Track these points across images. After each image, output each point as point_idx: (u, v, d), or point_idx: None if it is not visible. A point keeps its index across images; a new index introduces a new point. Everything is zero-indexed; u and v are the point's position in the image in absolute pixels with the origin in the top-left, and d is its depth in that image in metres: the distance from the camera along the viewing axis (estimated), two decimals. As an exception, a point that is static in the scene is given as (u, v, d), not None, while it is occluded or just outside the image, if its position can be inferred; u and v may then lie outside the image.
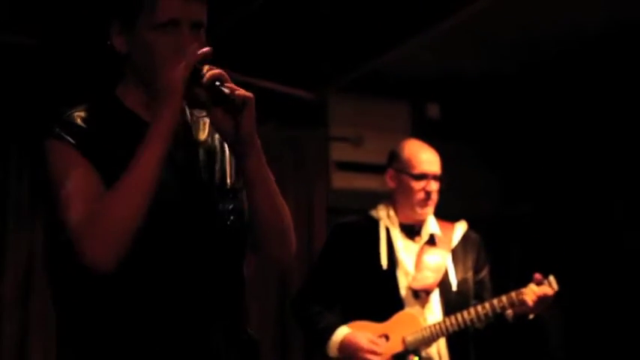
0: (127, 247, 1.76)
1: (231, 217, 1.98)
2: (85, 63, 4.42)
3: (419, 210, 3.50)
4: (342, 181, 5.65)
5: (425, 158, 3.54)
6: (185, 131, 2.00)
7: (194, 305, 1.89)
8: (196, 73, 1.81)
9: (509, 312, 3.39)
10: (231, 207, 1.99)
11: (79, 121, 1.88)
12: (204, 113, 2.03)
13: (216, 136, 2.05)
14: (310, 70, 5.04)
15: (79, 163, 1.83)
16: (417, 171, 3.51)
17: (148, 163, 1.78)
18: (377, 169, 5.49)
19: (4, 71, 4.45)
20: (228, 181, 2.03)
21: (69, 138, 1.85)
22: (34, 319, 4.37)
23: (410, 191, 3.50)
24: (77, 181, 1.81)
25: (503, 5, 4.29)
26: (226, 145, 2.04)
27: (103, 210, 1.75)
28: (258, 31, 4.37)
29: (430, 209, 3.53)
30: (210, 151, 2.03)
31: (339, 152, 5.64)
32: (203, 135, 2.03)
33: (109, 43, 1.95)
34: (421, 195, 3.49)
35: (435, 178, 3.52)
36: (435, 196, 3.52)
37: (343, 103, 5.64)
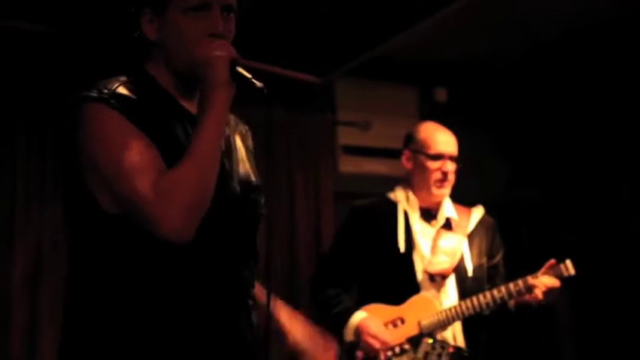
0: (199, 221, 1.78)
1: (263, 211, 2.05)
2: (93, 47, 4.43)
3: (435, 191, 3.50)
4: (349, 165, 5.65)
5: (441, 139, 3.54)
6: None
7: (225, 292, 1.92)
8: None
9: (512, 302, 3.38)
10: (262, 200, 2.06)
11: (125, 91, 1.87)
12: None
13: (235, 130, 2.11)
14: (317, 55, 5.03)
15: (137, 134, 1.81)
16: (433, 151, 3.50)
17: (214, 137, 1.81)
18: (384, 154, 5.50)
19: (15, 56, 4.46)
20: (254, 178, 2.08)
21: (119, 106, 1.83)
22: (44, 307, 4.39)
23: (426, 171, 3.49)
24: (141, 152, 1.79)
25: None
26: (246, 142, 2.12)
27: (182, 182, 1.75)
28: (266, 17, 4.36)
29: (446, 190, 3.52)
30: (230, 144, 2.06)
31: (347, 137, 5.64)
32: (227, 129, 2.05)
33: (137, 32, 1.95)
34: (437, 175, 3.49)
35: (451, 158, 3.52)
36: (451, 177, 3.52)
37: (350, 88, 5.64)
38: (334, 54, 5.09)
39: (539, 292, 3.27)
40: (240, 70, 1.85)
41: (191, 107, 1.97)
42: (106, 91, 1.85)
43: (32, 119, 4.46)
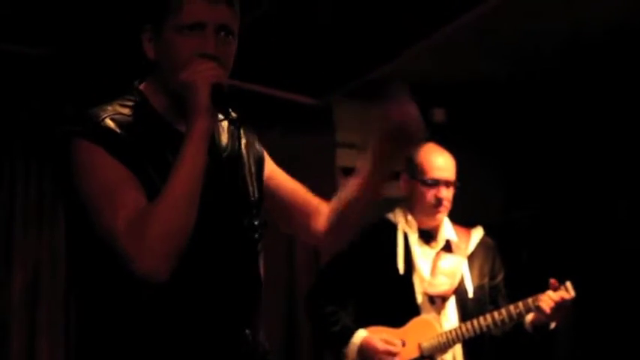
0: (178, 257, 1.75)
1: (259, 232, 2.01)
2: (91, 70, 4.44)
3: (430, 215, 3.49)
4: (348, 186, 5.63)
5: (437, 164, 3.51)
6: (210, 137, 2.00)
7: (220, 318, 1.90)
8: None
9: (528, 322, 3.36)
10: (257, 222, 2.01)
11: (111, 124, 1.85)
12: (220, 117, 2.00)
13: (243, 142, 2.07)
14: (316, 77, 5.04)
15: (119, 170, 1.80)
16: (428, 177, 3.49)
17: (192, 171, 1.78)
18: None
19: (13, 79, 4.47)
20: (251, 192, 2.03)
21: (103, 141, 1.81)
22: (42, 324, 4.38)
23: (421, 197, 3.48)
24: (120, 188, 1.78)
25: (507, 9, 4.28)
26: (252, 155, 2.08)
27: (155, 220, 1.72)
28: (263, 39, 4.37)
29: (442, 215, 3.51)
30: (233, 157, 2.03)
31: (345, 158, 5.64)
32: (225, 139, 2.03)
33: (139, 52, 1.95)
34: (432, 201, 3.47)
35: (447, 184, 3.50)
36: (447, 203, 3.49)
37: (349, 109, 5.64)
38: (333, 76, 5.10)
39: (546, 308, 3.24)
40: (218, 97, 1.82)
41: (184, 129, 1.90)
42: (91, 124, 1.84)
43: (31, 142, 4.46)
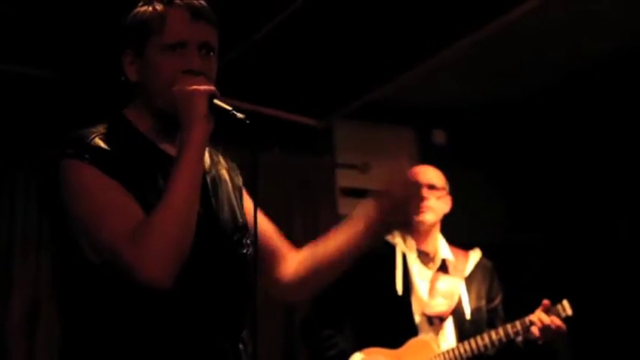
0: (180, 265, 1.76)
1: (250, 249, 2.00)
2: (93, 92, 4.45)
3: (415, 218, 3.48)
4: (348, 207, 5.64)
5: (418, 172, 3.56)
6: None
7: (212, 334, 1.89)
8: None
9: (519, 339, 3.37)
10: (247, 240, 2.01)
11: (100, 143, 1.85)
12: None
13: (223, 167, 2.09)
14: (316, 98, 5.05)
15: (113, 186, 1.80)
16: None
17: (192, 178, 1.80)
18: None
19: (13, 101, 4.48)
20: (239, 216, 2.04)
21: (94, 160, 1.82)
22: (40, 348, 4.36)
23: None
24: (116, 202, 1.79)
25: (508, 32, 4.30)
26: (233, 179, 2.09)
27: (160, 228, 1.74)
28: (263, 60, 4.39)
29: (427, 216, 3.49)
30: (215, 181, 2.03)
31: (345, 179, 5.65)
32: (207, 162, 2.02)
33: (122, 74, 1.95)
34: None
35: (429, 187, 3.51)
36: (431, 203, 3.49)
37: (349, 130, 5.66)
38: (333, 97, 5.12)
39: (535, 330, 3.26)
40: (219, 102, 1.84)
41: (172, 150, 1.93)
42: (81, 145, 1.84)
43: (30, 164, 4.47)
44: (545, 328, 3.26)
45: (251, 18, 4.02)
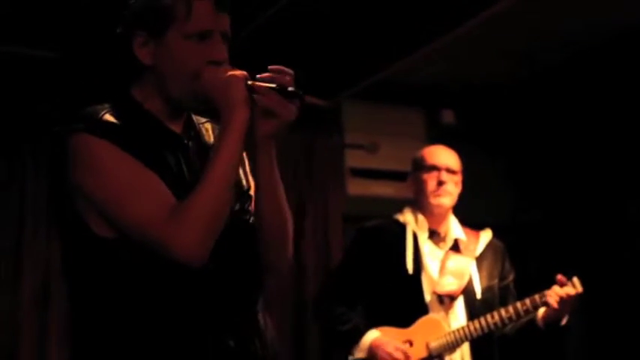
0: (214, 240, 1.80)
1: (252, 217, 2.01)
2: (97, 73, 4.46)
3: (433, 201, 3.49)
4: (357, 187, 5.65)
5: (437, 153, 3.59)
6: (197, 137, 2.03)
7: (229, 306, 1.91)
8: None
9: (539, 318, 3.36)
10: (250, 207, 2.02)
11: (111, 119, 1.85)
12: (203, 120, 2.07)
13: None
14: (325, 78, 5.04)
15: (131, 160, 1.81)
16: (427, 163, 3.54)
17: (229, 160, 1.81)
18: (392, 176, 5.50)
19: (21, 81, 4.49)
20: (244, 182, 2.05)
21: (107, 135, 1.82)
22: (53, 326, 4.39)
23: (423, 184, 3.51)
24: (143, 178, 1.80)
25: (516, 12, 4.28)
26: None
27: (200, 207, 1.77)
28: (272, 40, 4.38)
29: (444, 199, 3.50)
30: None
31: (354, 159, 5.65)
32: (210, 140, 2.05)
33: (129, 55, 1.94)
34: (432, 185, 3.49)
35: (448, 170, 3.52)
36: (450, 188, 3.51)
37: (358, 110, 5.65)
38: (341, 77, 5.11)
39: (553, 302, 3.25)
40: (259, 83, 1.83)
41: (177, 128, 1.96)
42: (92, 120, 1.84)
43: (39, 142, 4.48)
44: (561, 301, 3.25)
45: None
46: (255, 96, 1.84)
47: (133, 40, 1.93)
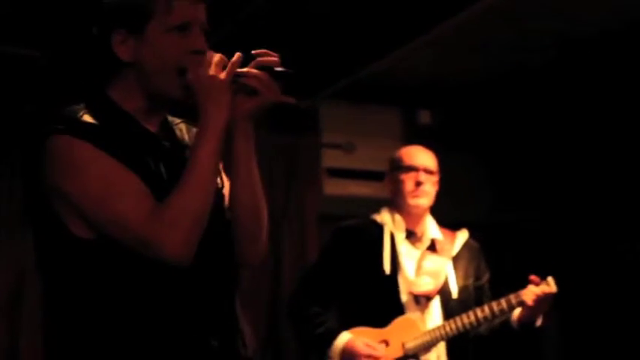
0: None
1: (226, 214, 2.01)
2: (82, 70, 4.43)
3: (410, 201, 3.50)
4: (333, 187, 5.65)
5: (414, 153, 3.59)
6: (173, 138, 2.02)
7: (210, 304, 1.90)
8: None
9: (514, 319, 3.38)
10: (225, 204, 2.02)
11: (90, 120, 1.85)
12: (177, 121, 2.07)
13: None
14: (302, 77, 5.03)
15: (111, 161, 1.80)
16: (405, 164, 3.54)
17: (209, 158, 1.82)
18: (368, 176, 5.51)
19: (4, 80, 4.46)
20: (218, 181, 2.04)
21: (86, 136, 1.81)
22: (24, 331, 4.36)
23: (401, 185, 3.52)
24: (123, 178, 1.80)
25: (494, 11, 4.29)
26: None
27: (185, 206, 1.78)
28: (248, 39, 4.36)
29: (422, 200, 3.51)
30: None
31: (331, 159, 5.65)
32: (185, 140, 2.04)
33: (107, 53, 1.92)
34: (410, 186, 3.50)
35: (425, 171, 3.53)
36: (428, 188, 3.52)
37: (334, 110, 5.65)
38: (318, 77, 5.10)
39: (529, 301, 3.27)
40: (243, 70, 1.86)
41: (153, 128, 1.96)
42: (70, 121, 1.83)
43: (16, 142, 4.44)
44: (537, 300, 3.27)
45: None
46: (241, 79, 1.86)
47: (112, 37, 1.92)
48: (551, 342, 5.45)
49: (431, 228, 3.57)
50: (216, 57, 1.87)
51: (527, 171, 5.80)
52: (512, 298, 3.33)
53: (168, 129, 2.03)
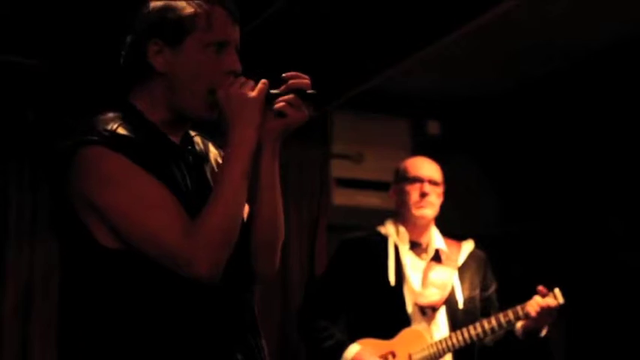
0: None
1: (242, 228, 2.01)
2: (85, 81, 4.45)
3: (415, 212, 3.51)
4: (342, 198, 5.65)
5: (420, 164, 3.61)
6: (194, 150, 2.04)
7: (225, 319, 1.90)
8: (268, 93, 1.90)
9: (519, 329, 3.38)
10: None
11: (124, 132, 1.84)
12: (193, 133, 2.08)
13: (212, 154, 2.10)
14: (311, 87, 5.04)
15: (146, 176, 1.81)
16: (410, 175, 3.55)
17: (240, 178, 1.84)
18: (377, 186, 5.51)
19: (7, 89, 4.48)
20: None
21: (121, 148, 1.81)
22: (34, 342, 4.37)
23: (406, 196, 3.53)
24: (157, 193, 1.81)
25: (502, 22, 4.30)
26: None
27: (215, 226, 1.79)
28: (257, 49, 4.38)
29: (427, 211, 3.52)
30: (216, 163, 2.06)
31: (340, 169, 5.65)
32: (203, 153, 2.06)
33: (141, 62, 1.93)
34: (415, 197, 3.51)
35: (430, 182, 3.55)
36: (432, 199, 3.53)
37: (344, 121, 5.66)
38: (328, 87, 5.10)
39: (533, 312, 3.27)
40: (276, 91, 1.89)
41: (175, 139, 1.97)
42: (106, 132, 1.82)
43: (25, 153, 4.46)
44: (541, 312, 3.27)
45: (245, 8, 4.01)
46: (276, 102, 1.89)
47: (149, 47, 1.92)
48: (558, 352, 5.43)
49: (435, 239, 3.58)
50: (247, 80, 1.89)
51: (535, 182, 5.79)
52: (519, 309, 3.32)
53: (189, 141, 2.04)
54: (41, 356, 4.32)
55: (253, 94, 1.86)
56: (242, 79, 1.90)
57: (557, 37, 4.65)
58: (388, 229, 3.57)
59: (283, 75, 1.92)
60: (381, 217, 3.68)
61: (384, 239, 3.54)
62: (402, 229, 3.54)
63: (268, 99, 1.89)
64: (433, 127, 5.87)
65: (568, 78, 5.09)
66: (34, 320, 4.38)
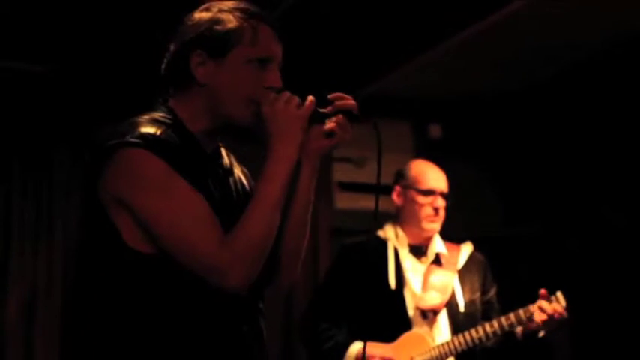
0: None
1: None
2: (90, 88, 4.46)
3: (426, 225, 3.51)
4: (345, 201, 5.65)
5: (432, 175, 3.58)
6: (222, 162, 2.05)
7: (243, 325, 1.91)
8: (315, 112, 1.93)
9: (519, 330, 3.38)
10: None
11: (167, 138, 1.85)
12: (220, 145, 2.08)
13: (237, 169, 2.11)
14: (311, 92, 5.05)
15: (185, 184, 1.82)
16: (424, 187, 3.54)
17: (278, 194, 1.86)
18: (380, 190, 5.50)
19: (11, 96, 4.49)
20: None
21: (163, 154, 1.81)
22: (38, 345, 4.38)
23: (417, 207, 3.52)
24: (195, 202, 1.82)
25: (505, 25, 4.31)
26: (250, 183, 2.11)
27: (247, 238, 1.81)
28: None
29: (437, 225, 3.54)
30: (238, 178, 2.08)
31: (342, 173, 5.65)
32: (229, 165, 2.07)
33: (185, 73, 1.94)
34: (428, 210, 3.50)
35: (442, 195, 3.54)
36: (442, 213, 3.54)
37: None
38: (328, 90, 5.11)
39: (537, 317, 3.26)
40: (324, 110, 1.94)
41: (208, 150, 1.98)
42: (149, 136, 1.82)
43: (28, 159, 4.47)
44: (547, 318, 3.26)
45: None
46: (327, 123, 1.94)
47: (193, 58, 1.93)
48: (563, 355, 5.43)
49: (436, 242, 3.58)
50: (292, 95, 1.91)
51: (537, 184, 5.79)
52: (522, 313, 3.31)
53: (219, 154, 2.05)
54: (45, 359, 4.34)
55: (300, 112, 1.89)
56: (287, 94, 1.92)
57: (559, 40, 4.65)
58: (387, 232, 3.57)
59: (329, 96, 1.95)
60: (384, 220, 3.67)
61: (383, 243, 3.54)
62: (400, 232, 3.54)
63: (314, 117, 1.91)
64: (435, 131, 5.87)
65: (570, 80, 5.10)
66: (38, 324, 4.39)
